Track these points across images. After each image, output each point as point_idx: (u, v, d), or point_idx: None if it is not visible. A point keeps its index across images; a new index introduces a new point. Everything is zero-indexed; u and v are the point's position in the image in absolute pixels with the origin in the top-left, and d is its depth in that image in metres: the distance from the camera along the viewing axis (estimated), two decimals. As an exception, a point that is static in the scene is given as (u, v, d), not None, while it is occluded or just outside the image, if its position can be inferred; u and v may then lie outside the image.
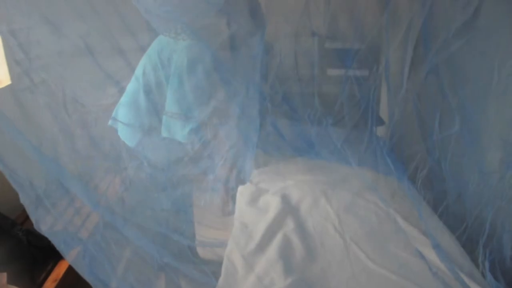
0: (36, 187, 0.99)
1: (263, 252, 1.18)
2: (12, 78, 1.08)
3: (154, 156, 1.36)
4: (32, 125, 1.05)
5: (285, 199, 1.41)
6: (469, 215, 1.25)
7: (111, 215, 1.14)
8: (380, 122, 1.64)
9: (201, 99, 1.30)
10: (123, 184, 1.33)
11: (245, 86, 1.32)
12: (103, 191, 1.27)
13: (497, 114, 1.16)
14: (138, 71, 1.35)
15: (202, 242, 1.36)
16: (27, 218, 1.40)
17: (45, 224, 1.01)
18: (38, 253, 1.40)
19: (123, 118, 1.36)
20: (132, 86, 1.36)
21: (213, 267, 1.19)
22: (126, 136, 1.37)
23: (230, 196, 1.54)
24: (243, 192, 1.50)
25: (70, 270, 1.34)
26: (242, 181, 1.55)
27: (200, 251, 1.35)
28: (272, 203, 1.39)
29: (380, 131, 1.64)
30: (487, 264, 1.11)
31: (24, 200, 0.95)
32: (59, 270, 1.41)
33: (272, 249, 1.18)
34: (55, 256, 1.41)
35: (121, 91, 1.35)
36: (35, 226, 0.98)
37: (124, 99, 1.36)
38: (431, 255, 1.14)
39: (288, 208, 1.37)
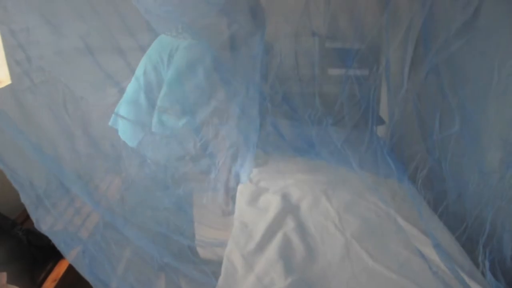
0: (36, 187, 0.99)
1: (263, 252, 1.18)
2: (12, 78, 1.08)
3: (155, 155, 1.36)
4: (32, 125, 1.05)
5: (285, 198, 1.41)
6: (469, 215, 1.25)
7: (111, 215, 1.14)
8: (380, 121, 1.64)
9: (201, 99, 1.30)
10: (124, 183, 1.33)
11: (245, 86, 1.32)
12: (103, 191, 1.27)
13: (497, 114, 1.16)
14: (139, 71, 1.35)
15: (202, 242, 1.36)
16: (27, 218, 1.40)
17: (45, 224, 1.01)
18: (38, 253, 1.40)
19: (124, 118, 1.36)
20: (132, 86, 1.36)
21: (213, 267, 1.19)
22: (127, 136, 1.37)
23: (230, 196, 1.55)
24: (243, 192, 1.50)
25: (70, 269, 1.34)
26: (240, 180, 1.55)
27: (200, 251, 1.35)
28: (272, 202, 1.39)
29: (380, 131, 1.64)
30: (487, 263, 1.12)
31: (25, 199, 0.95)
32: (59, 270, 1.41)
33: (272, 249, 1.17)
34: (55, 255, 1.41)
35: (121, 91, 1.35)
36: (36, 226, 0.98)
37: (124, 99, 1.36)
38: (432, 255, 1.14)
39: (289, 207, 1.37)
